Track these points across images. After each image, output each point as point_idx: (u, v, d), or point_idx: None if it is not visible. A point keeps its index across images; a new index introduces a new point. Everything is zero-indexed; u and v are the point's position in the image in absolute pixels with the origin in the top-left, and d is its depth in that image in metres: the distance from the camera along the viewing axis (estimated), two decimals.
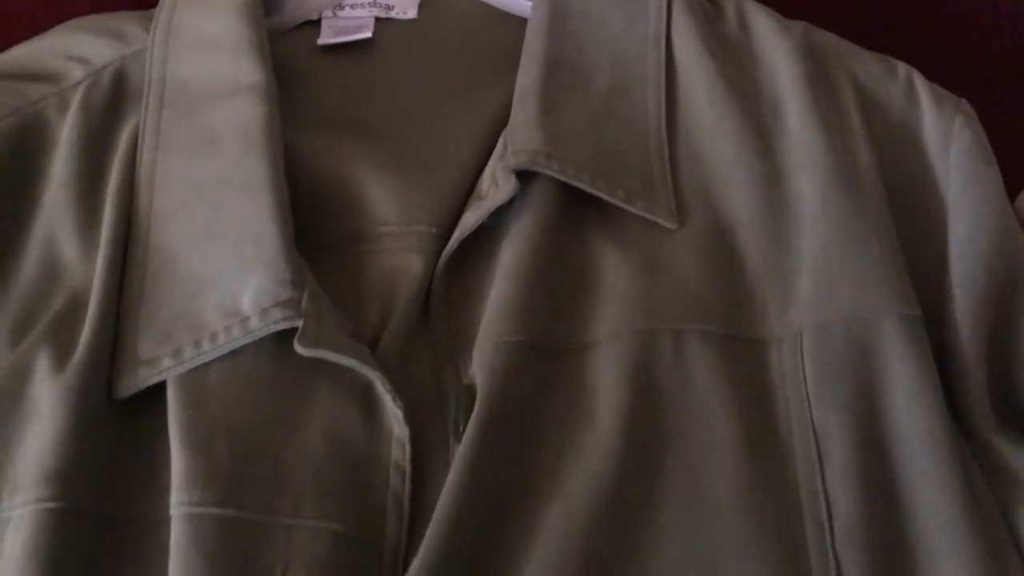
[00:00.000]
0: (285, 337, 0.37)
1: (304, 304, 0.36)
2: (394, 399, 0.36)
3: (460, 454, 0.34)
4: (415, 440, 0.36)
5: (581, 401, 0.36)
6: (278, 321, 0.36)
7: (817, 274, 0.38)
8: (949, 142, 0.41)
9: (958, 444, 0.35)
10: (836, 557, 0.33)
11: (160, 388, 0.37)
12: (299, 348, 0.35)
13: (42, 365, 0.36)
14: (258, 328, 0.36)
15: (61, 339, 0.37)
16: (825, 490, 0.34)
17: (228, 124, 0.40)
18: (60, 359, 0.36)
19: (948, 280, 0.39)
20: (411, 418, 0.36)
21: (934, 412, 0.35)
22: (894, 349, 0.36)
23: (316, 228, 0.40)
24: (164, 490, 0.35)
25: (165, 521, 0.34)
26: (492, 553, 0.34)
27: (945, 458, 0.34)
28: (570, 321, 0.38)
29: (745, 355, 0.37)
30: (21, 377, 0.36)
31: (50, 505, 0.33)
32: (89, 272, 0.39)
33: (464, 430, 0.35)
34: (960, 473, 0.34)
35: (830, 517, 0.34)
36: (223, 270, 0.37)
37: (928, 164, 0.42)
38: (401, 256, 0.40)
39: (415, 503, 0.35)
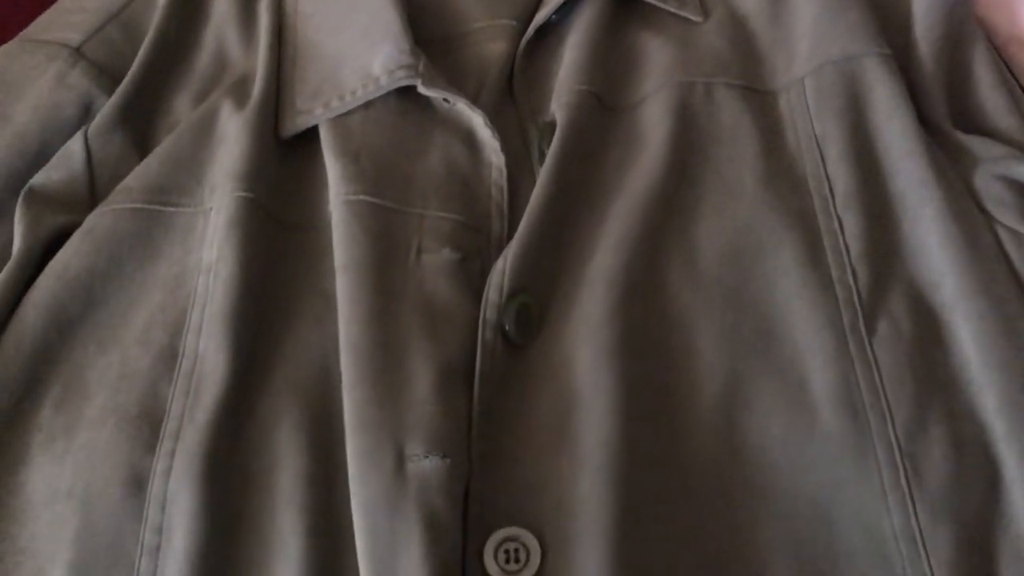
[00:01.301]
0: (406, 95, 0.48)
1: (421, 68, 0.48)
2: (492, 134, 0.47)
3: (545, 167, 0.45)
4: (509, 166, 0.47)
5: (636, 131, 0.48)
6: (401, 78, 0.48)
7: (812, 36, 0.49)
8: None
9: (924, 134, 0.46)
10: (839, 216, 0.44)
11: (313, 133, 0.48)
12: (421, 88, 0.47)
13: (226, 109, 0.48)
14: (386, 84, 0.48)
15: (237, 96, 0.49)
16: (827, 174, 0.45)
17: None
18: (239, 104, 0.48)
19: (913, 33, 0.50)
20: (505, 149, 0.47)
21: (907, 115, 0.46)
22: (875, 75, 0.47)
23: (422, 27, 0.52)
24: (322, 203, 0.46)
25: (325, 226, 0.45)
26: (572, 229, 0.45)
27: (916, 140, 0.45)
28: (624, 87, 0.50)
29: (761, 101, 0.48)
30: (211, 116, 0.48)
31: (243, 194, 0.45)
32: (251, 60, 0.51)
33: (546, 155, 0.46)
34: (927, 149, 0.45)
35: (831, 191, 0.45)
36: (357, 48, 0.49)
37: None
38: (489, 44, 0.52)
39: (511, 208, 0.46)
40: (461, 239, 0.45)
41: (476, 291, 0.43)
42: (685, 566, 0.37)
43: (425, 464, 0.37)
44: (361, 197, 0.44)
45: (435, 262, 0.43)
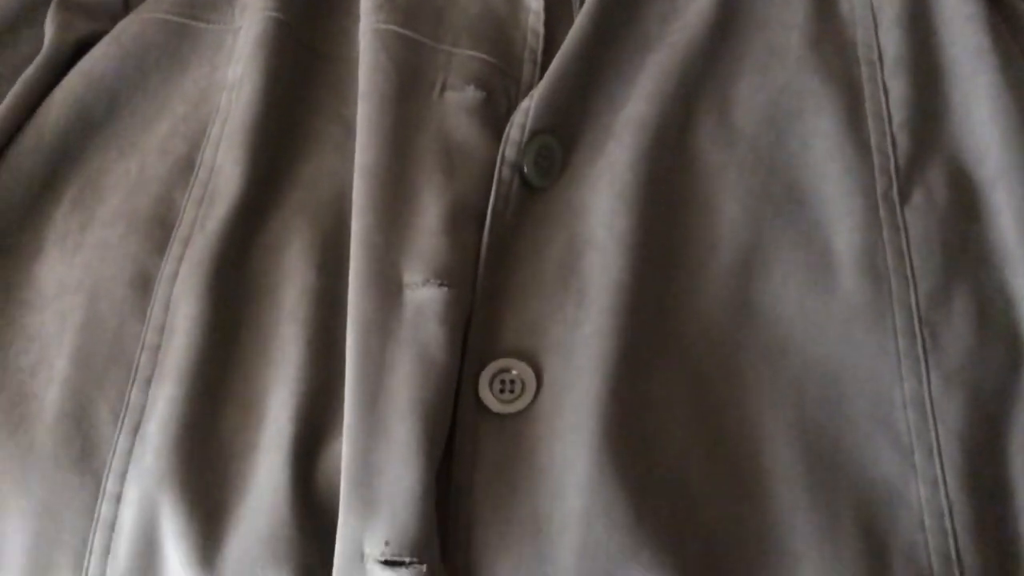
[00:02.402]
0: None
1: None
2: None
3: (585, 7, 0.44)
4: (547, 12, 0.45)
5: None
6: None
7: None
8: None
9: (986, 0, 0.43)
10: (885, 84, 0.42)
11: None
12: None
13: None
14: None
15: None
16: (878, 41, 0.43)
17: None
18: None
19: None
20: None
21: None
22: None
23: None
24: (353, 34, 0.45)
25: (353, 58, 0.44)
26: (606, 75, 0.43)
27: (977, 4, 0.42)
28: None
29: None
30: None
31: (274, 15, 0.44)
32: None
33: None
34: (989, 15, 0.42)
35: (880, 58, 0.43)
36: None
37: None
38: None
39: (545, 56, 0.45)
40: (488, 79, 0.43)
41: (498, 133, 0.42)
42: (681, 413, 0.36)
43: (422, 292, 0.37)
44: (391, 27, 0.43)
45: (458, 99, 0.42)
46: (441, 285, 0.37)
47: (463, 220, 0.39)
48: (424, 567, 0.33)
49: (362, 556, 0.34)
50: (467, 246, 0.39)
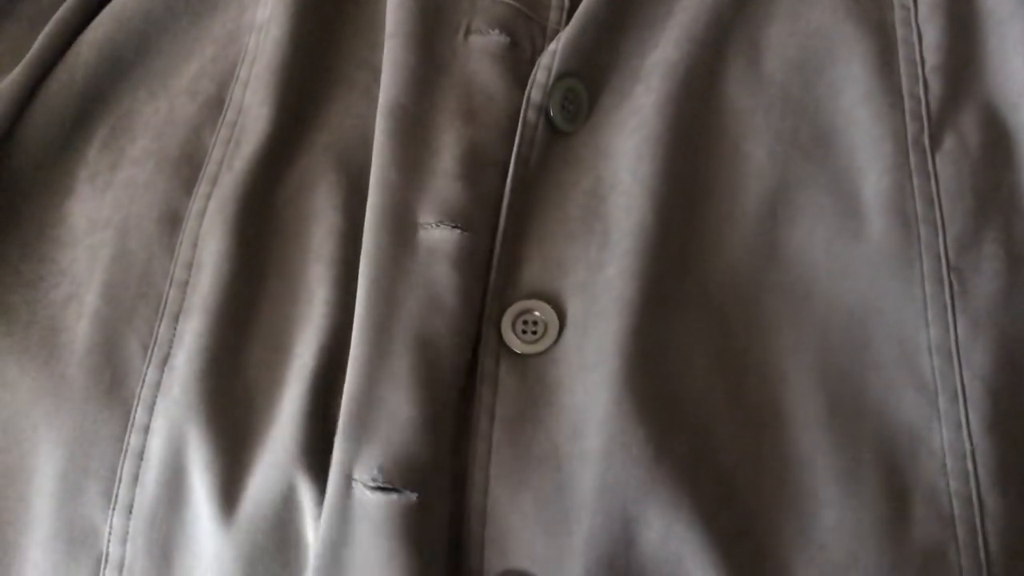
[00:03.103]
0: None
1: None
2: None
3: None
4: None
5: None
6: None
7: None
8: None
9: None
10: (919, 28, 0.41)
11: None
12: None
13: None
14: None
15: None
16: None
17: None
18: None
19: None
20: None
21: None
22: None
23: None
24: None
25: (382, 1, 0.44)
26: (635, 19, 0.43)
27: None
28: None
29: None
30: None
31: None
32: None
33: None
34: None
35: (916, 2, 0.42)
36: None
37: None
38: None
39: (572, 3, 0.44)
40: (513, 24, 0.43)
41: (521, 79, 0.41)
42: (703, 355, 0.36)
43: (435, 233, 0.37)
44: None
45: (482, 44, 0.42)
46: (454, 228, 0.37)
47: (481, 165, 0.39)
48: (415, 496, 0.33)
49: (351, 481, 0.34)
50: (485, 192, 0.39)
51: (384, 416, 0.34)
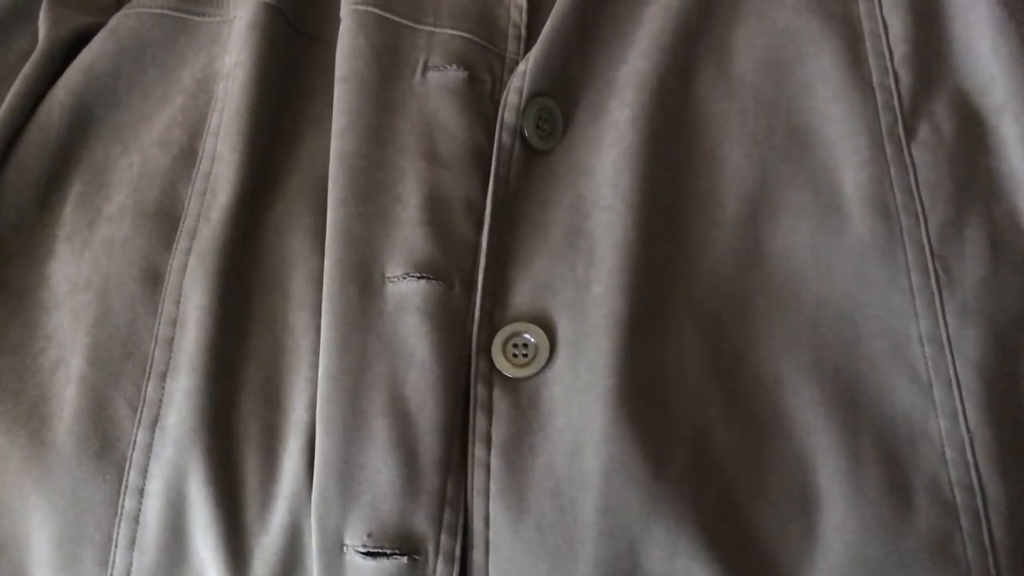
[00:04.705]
0: None
1: None
2: None
3: None
4: None
5: None
6: None
7: None
8: None
9: None
10: (884, 19, 0.41)
11: None
12: None
13: None
14: None
15: None
16: None
17: None
18: None
19: None
20: None
21: None
22: None
23: None
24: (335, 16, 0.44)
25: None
26: (602, 33, 0.43)
27: None
28: None
29: None
30: None
31: (265, 0, 0.43)
32: None
33: None
34: None
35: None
36: None
37: None
38: None
39: (530, 30, 0.44)
40: (471, 57, 0.43)
41: (481, 111, 0.41)
42: (696, 366, 0.36)
43: (404, 285, 0.37)
44: (369, 8, 0.43)
45: (440, 80, 0.42)
46: (421, 278, 0.37)
47: (447, 207, 0.39)
48: (405, 559, 0.34)
49: (343, 547, 0.34)
50: (453, 234, 0.38)
51: (365, 481, 0.35)
